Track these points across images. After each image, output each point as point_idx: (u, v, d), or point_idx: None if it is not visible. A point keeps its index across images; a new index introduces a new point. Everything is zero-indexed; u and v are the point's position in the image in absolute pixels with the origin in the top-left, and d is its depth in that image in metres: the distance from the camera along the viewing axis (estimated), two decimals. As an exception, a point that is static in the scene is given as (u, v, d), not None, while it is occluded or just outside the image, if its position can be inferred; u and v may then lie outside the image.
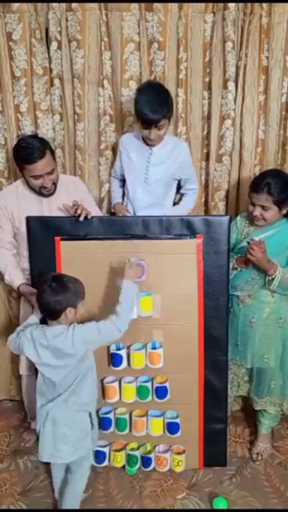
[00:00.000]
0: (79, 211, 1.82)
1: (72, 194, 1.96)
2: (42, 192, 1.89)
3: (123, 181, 2.19)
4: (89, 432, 1.68)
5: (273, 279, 1.79)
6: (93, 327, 1.59)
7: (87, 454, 1.73)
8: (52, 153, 1.87)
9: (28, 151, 1.77)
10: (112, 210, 2.23)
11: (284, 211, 1.82)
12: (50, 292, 1.54)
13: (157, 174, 2.04)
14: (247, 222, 1.94)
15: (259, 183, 1.77)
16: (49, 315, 1.60)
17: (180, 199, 2.24)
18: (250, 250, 1.75)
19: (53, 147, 2.18)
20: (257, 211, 1.80)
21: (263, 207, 1.79)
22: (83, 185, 2.11)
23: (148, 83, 1.98)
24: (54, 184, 1.91)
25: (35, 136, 1.87)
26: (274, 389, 1.97)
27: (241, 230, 1.95)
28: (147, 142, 1.99)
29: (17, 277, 1.94)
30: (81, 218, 1.81)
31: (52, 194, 1.92)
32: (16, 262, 1.99)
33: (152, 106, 1.81)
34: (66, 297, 1.55)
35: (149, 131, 1.89)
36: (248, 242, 1.78)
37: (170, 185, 2.13)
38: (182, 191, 2.21)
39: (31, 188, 1.91)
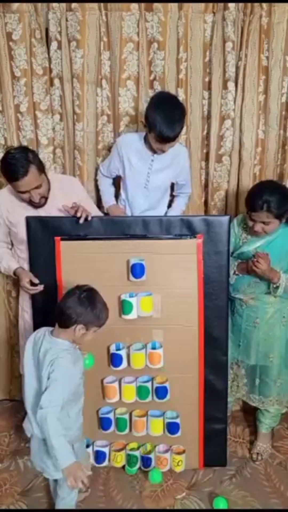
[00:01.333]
0: (78, 213, 1.80)
1: (70, 195, 1.94)
2: (32, 205, 1.86)
3: (113, 179, 2.17)
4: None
5: (277, 287, 1.80)
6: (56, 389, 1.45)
7: None
8: (40, 168, 1.79)
9: (12, 168, 1.72)
10: (106, 212, 2.17)
11: (284, 220, 1.80)
12: (76, 299, 1.50)
13: (158, 180, 2.04)
14: (244, 226, 1.92)
15: (257, 201, 1.72)
16: (60, 319, 1.53)
17: (171, 201, 2.22)
18: (255, 263, 1.75)
19: (52, 150, 2.19)
20: (258, 227, 1.78)
21: (264, 223, 1.77)
22: (80, 185, 2.10)
23: (163, 96, 1.88)
24: (44, 197, 1.87)
25: (22, 150, 1.78)
26: (280, 388, 1.98)
27: (239, 235, 1.94)
28: (155, 150, 1.94)
29: (13, 262, 1.94)
30: (81, 221, 1.81)
31: (42, 206, 1.88)
32: (12, 253, 2.00)
33: (170, 125, 1.77)
34: (86, 313, 1.50)
35: (161, 145, 1.87)
36: (253, 255, 1.78)
37: (167, 190, 2.13)
38: (175, 193, 2.20)
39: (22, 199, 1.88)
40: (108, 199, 2.17)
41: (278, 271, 1.79)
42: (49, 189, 1.90)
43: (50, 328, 1.59)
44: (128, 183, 2.06)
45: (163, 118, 1.77)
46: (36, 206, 1.87)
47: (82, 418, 1.66)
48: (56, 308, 1.55)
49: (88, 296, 1.52)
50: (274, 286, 1.81)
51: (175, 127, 1.79)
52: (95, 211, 2.02)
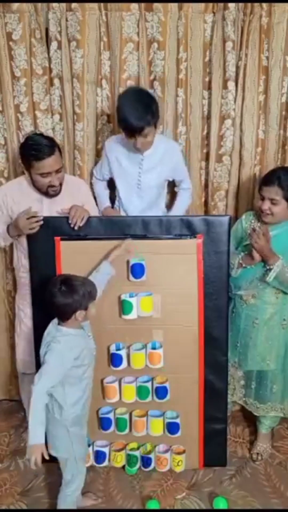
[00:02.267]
0: (74, 220, 1.80)
1: (75, 197, 1.95)
2: (49, 191, 1.87)
3: (107, 181, 2.16)
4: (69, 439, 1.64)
5: (270, 269, 1.79)
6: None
7: (68, 456, 1.66)
8: (60, 151, 1.86)
9: (38, 148, 1.76)
10: (101, 215, 2.15)
11: None
12: (60, 295, 1.53)
13: (151, 180, 2.02)
14: (253, 220, 1.93)
15: (271, 176, 1.79)
16: (59, 317, 1.60)
17: (173, 198, 2.21)
18: (255, 237, 1.76)
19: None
20: (266, 205, 1.80)
21: (272, 201, 1.78)
22: (86, 187, 2.11)
23: (130, 88, 1.92)
24: (61, 184, 1.89)
25: (42, 135, 1.86)
26: (275, 394, 1.97)
27: (245, 229, 1.94)
28: (136, 151, 1.94)
29: (2, 225, 1.95)
30: (76, 227, 1.81)
31: (57, 194, 1.90)
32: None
33: (135, 113, 1.74)
34: (76, 300, 1.54)
35: (134, 140, 1.83)
36: (253, 229, 1.80)
37: (163, 186, 2.12)
38: (176, 189, 2.19)
39: (38, 188, 1.88)
40: (103, 201, 2.17)
41: (278, 256, 1.79)
42: (63, 177, 1.92)
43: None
44: (120, 185, 2.05)
45: (128, 108, 1.75)
46: (52, 194, 1.88)
47: (85, 406, 1.69)
48: (52, 312, 1.61)
49: (67, 286, 1.54)
50: (268, 267, 1.80)
51: (140, 116, 1.75)
52: (96, 213, 2.03)
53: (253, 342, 1.93)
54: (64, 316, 1.57)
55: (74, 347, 1.58)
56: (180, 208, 2.17)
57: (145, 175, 2.00)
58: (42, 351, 1.59)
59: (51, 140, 1.83)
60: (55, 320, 1.63)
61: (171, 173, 2.07)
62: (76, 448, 1.65)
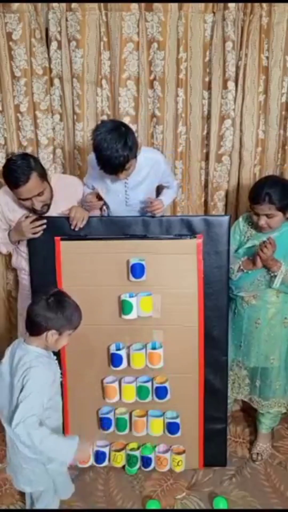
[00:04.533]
0: (74, 222, 1.79)
1: (71, 199, 1.92)
2: (36, 211, 1.82)
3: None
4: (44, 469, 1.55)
5: (275, 276, 1.80)
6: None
7: (46, 488, 1.60)
8: (42, 175, 1.76)
9: (14, 175, 1.70)
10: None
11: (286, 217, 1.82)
12: (44, 305, 1.44)
13: (138, 195, 1.91)
14: (250, 224, 1.93)
15: (259, 194, 1.76)
16: (31, 328, 1.47)
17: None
18: (263, 248, 1.76)
19: (52, 150, 2.18)
20: (263, 221, 1.79)
21: (267, 216, 1.78)
22: (82, 186, 2.08)
23: (103, 124, 1.68)
24: (47, 205, 1.83)
25: (24, 157, 1.74)
26: (278, 390, 1.98)
27: (243, 232, 1.94)
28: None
29: (5, 233, 1.93)
30: (77, 229, 1.80)
31: (45, 213, 1.84)
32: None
33: (114, 159, 1.61)
34: (56, 319, 1.43)
35: (115, 176, 1.73)
36: (263, 241, 1.79)
37: (152, 194, 2.01)
38: (165, 189, 2.06)
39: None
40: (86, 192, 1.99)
41: (280, 261, 1.80)
42: (51, 197, 1.85)
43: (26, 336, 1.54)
44: (107, 200, 1.96)
45: (105, 154, 1.61)
46: (39, 213, 1.83)
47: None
48: (26, 320, 1.48)
49: (56, 300, 1.46)
50: (272, 274, 1.81)
51: (119, 161, 1.62)
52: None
53: (256, 341, 1.94)
54: (36, 330, 1.45)
55: (48, 370, 1.48)
56: (167, 197, 2.01)
57: (132, 191, 1.90)
58: (16, 380, 1.42)
59: (31, 164, 1.71)
60: (21, 340, 1.52)
61: (159, 182, 1.98)
62: (58, 482, 1.61)
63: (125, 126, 1.69)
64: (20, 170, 1.69)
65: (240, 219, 1.99)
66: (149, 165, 1.86)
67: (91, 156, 1.80)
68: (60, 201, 1.89)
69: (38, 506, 1.65)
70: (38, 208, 1.80)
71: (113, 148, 1.60)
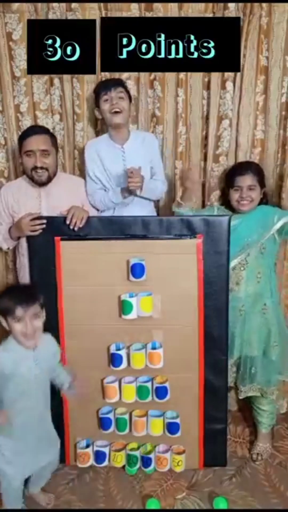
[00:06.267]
0: (74, 220, 1.80)
1: (74, 195, 1.96)
2: (34, 176, 1.89)
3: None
4: None
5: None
6: None
7: None
8: (52, 141, 1.92)
9: (29, 128, 1.93)
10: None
11: (262, 193, 2.00)
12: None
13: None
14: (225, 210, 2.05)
15: (243, 165, 2.02)
16: None
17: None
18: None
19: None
20: (245, 193, 1.94)
21: (250, 187, 1.94)
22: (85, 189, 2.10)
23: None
24: (47, 170, 1.90)
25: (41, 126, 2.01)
26: (254, 375, 1.98)
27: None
28: (112, 118, 1.95)
29: (7, 227, 1.99)
30: (76, 228, 1.81)
31: (45, 183, 1.91)
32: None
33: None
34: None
35: (109, 101, 1.93)
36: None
37: (147, 174, 2.05)
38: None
39: (26, 174, 1.93)
40: (111, 193, 2.01)
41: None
42: (55, 173, 1.95)
43: None
44: (111, 178, 2.02)
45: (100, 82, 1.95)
46: (37, 179, 1.90)
47: (31, 436, 1.60)
48: None
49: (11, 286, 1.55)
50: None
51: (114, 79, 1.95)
52: (94, 212, 2.03)
53: (238, 331, 1.97)
54: None
55: (7, 358, 1.51)
56: (155, 183, 2.06)
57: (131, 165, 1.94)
58: None
59: (45, 127, 1.97)
60: None
61: (151, 158, 2.06)
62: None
63: None
64: (37, 126, 1.98)
65: (215, 207, 2.09)
66: (140, 135, 2.07)
67: (87, 145, 2.07)
68: (61, 194, 1.93)
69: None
70: (38, 165, 1.86)
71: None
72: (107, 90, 1.94)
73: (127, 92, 2.00)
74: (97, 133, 2.22)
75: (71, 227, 1.81)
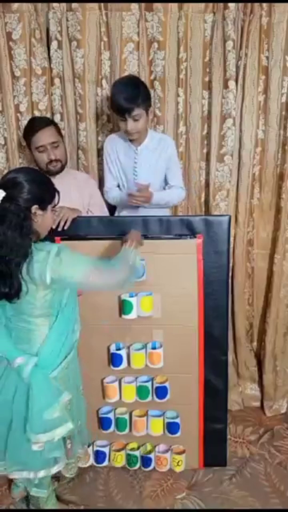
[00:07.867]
0: (57, 221, 1.74)
1: (83, 188, 2.01)
2: (49, 169, 1.91)
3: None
4: None
5: None
6: None
7: None
8: (58, 132, 1.95)
9: (33, 122, 1.92)
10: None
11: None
12: None
13: (147, 176, 1.98)
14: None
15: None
16: None
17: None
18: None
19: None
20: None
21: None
22: (94, 181, 2.15)
23: (123, 76, 1.99)
24: (60, 161, 1.94)
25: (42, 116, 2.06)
26: None
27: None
28: (128, 137, 1.95)
29: None
30: (60, 229, 1.76)
31: (58, 172, 1.94)
32: None
33: (125, 95, 1.80)
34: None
35: (125, 122, 1.87)
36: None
37: (160, 177, 2.07)
38: (166, 187, 2.10)
39: (40, 168, 1.94)
40: (124, 196, 2.02)
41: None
42: (66, 161, 1.99)
43: None
44: (124, 180, 2.05)
45: (118, 91, 1.82)
46: (53, 171, 1.92)
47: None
48: None
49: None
50: None
51: (129, 98, 1.80)
52: (100, 206, 2.06)
53: None
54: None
55: None
56: (171, 195, 2.05)
57: (140, 169, 1.99)
58: None
59: (48, 118, 2.01)
60: None
61: (166, 165, 2.03)
62: None
63: (140, 80, 1.94)
64: (40, 119, 1.98)
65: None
66: (157, 139, 2.02)
67: (109, 140, 2.06)
68: (71, 191, 1.94)
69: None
70: (53, 158, 1.90)
71: (127, 90, 1.82)
72: (124, 114, 1.85)
73: (144, 109, 1.87)
74: (97, 133, 2.22)
75: (54, 227, 1.72)
